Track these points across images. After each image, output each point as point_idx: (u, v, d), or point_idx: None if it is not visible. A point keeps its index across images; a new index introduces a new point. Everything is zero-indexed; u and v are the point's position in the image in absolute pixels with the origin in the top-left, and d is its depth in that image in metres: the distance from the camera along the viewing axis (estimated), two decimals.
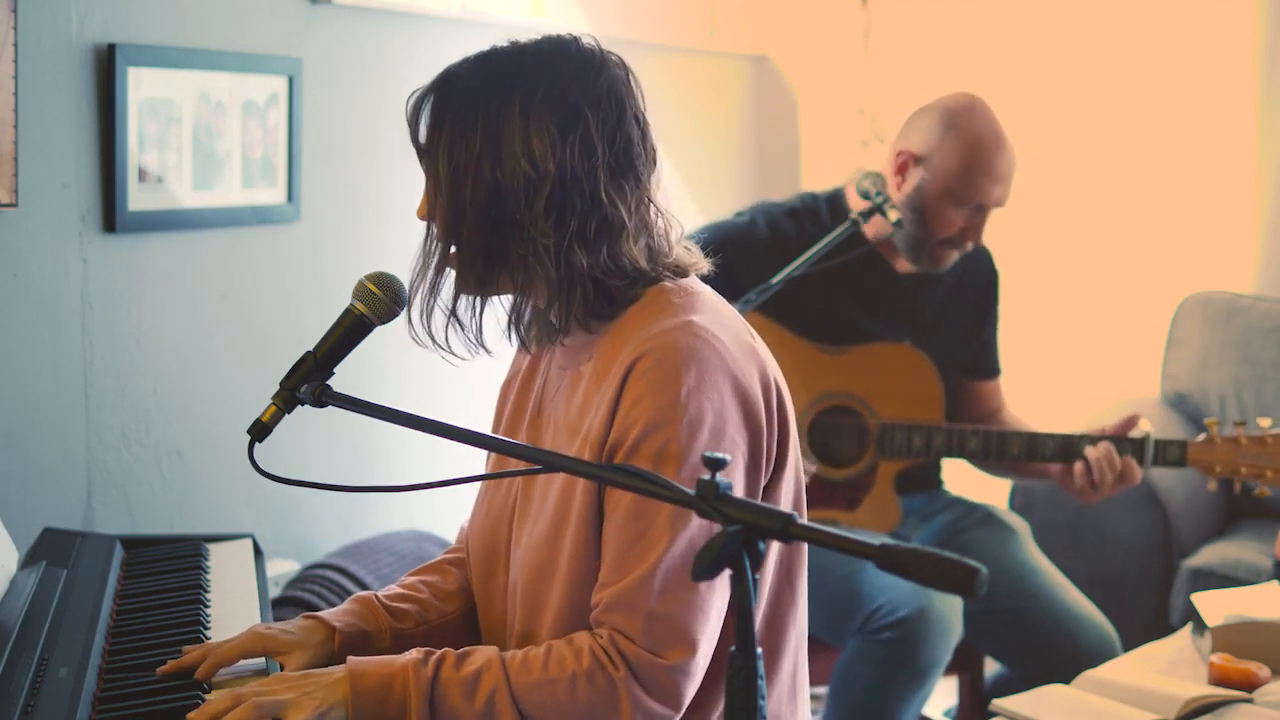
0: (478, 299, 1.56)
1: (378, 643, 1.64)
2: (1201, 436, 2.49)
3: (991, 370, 2.82)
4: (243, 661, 1.56)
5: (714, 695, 1.53)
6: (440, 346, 1.56)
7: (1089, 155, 3.83)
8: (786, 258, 2.55)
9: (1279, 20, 3.62)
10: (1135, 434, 2.52)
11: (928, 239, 2.57)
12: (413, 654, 1.48)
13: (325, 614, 1.63)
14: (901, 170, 2.60)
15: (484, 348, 1.58)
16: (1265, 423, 2.47)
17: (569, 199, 1.49)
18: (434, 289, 1.55)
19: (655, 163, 1.57)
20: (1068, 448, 2.52)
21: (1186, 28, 3.70)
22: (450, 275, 1.56)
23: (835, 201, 2.69)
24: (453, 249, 1.53)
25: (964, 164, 2.52)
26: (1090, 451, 2.48)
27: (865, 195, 2.54)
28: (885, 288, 2.66)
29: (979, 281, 2.78)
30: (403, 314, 1.58)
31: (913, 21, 4.02)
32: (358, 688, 1.44)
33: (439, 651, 1.49)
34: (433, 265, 1.55)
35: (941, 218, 2.55)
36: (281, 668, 1.56)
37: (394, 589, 1.72)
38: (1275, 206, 3.66)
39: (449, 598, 1.72)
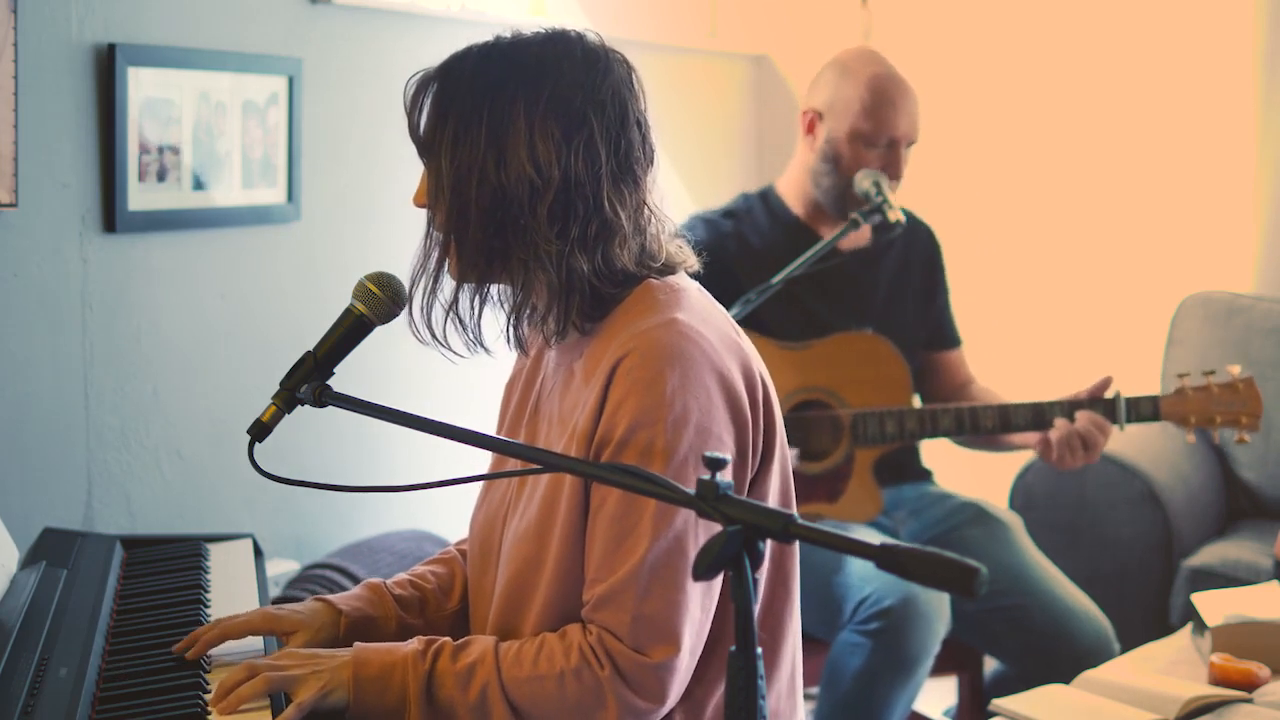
0: (477, 297, 1.56)
1: (383, 628, 1.67)
2: (1173, 389, 2.52)
3: (951, 340, 2.87)
4: (242, 645, 1.59)
5: (705, 688, 1.54)
6: (439, 342, 1.57)
7: (1089, 155, 3.82)
8: (726, 258, 2.61)
9: (1279, 20, 3.62)
10: (1106, 394, 2.54)
11: (849, 187, 2.62)
12: (413, 644, 1.51)
13: (334, 598, 1.67)
14: (810, 130, 2.68)
15: (483, 346, 1.59)
16: (1235, 369, 2.51)
17: (572, 205, 1.49)
18: (435, 283, 1.56)
19: (653, 162, 1.57)
20: (1039, 416, 2.55)
21: (1186, 28, 3.70)
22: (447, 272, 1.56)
23: (767, 198, 2.77)
24: (454, 243, 1.53)
25: (864, 103, 2.60)
26: (1080, 420, 2.50)
27: (865, 196, 2.56)
28: (833, 271, 2.69)
29: (922, 254, 2.84)
30: (403, 314, 1.58)
31: (913, 21, 4.02)
32: (360, 674, 1.48)
33: (438, 642, 1.52)
34: (434, 259, 1.55)
35: (856, 160, 2.61)
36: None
37: (404, 577, 1.76)
38: (1275, 206, 3.66)
39: (450, 593, 1.75)
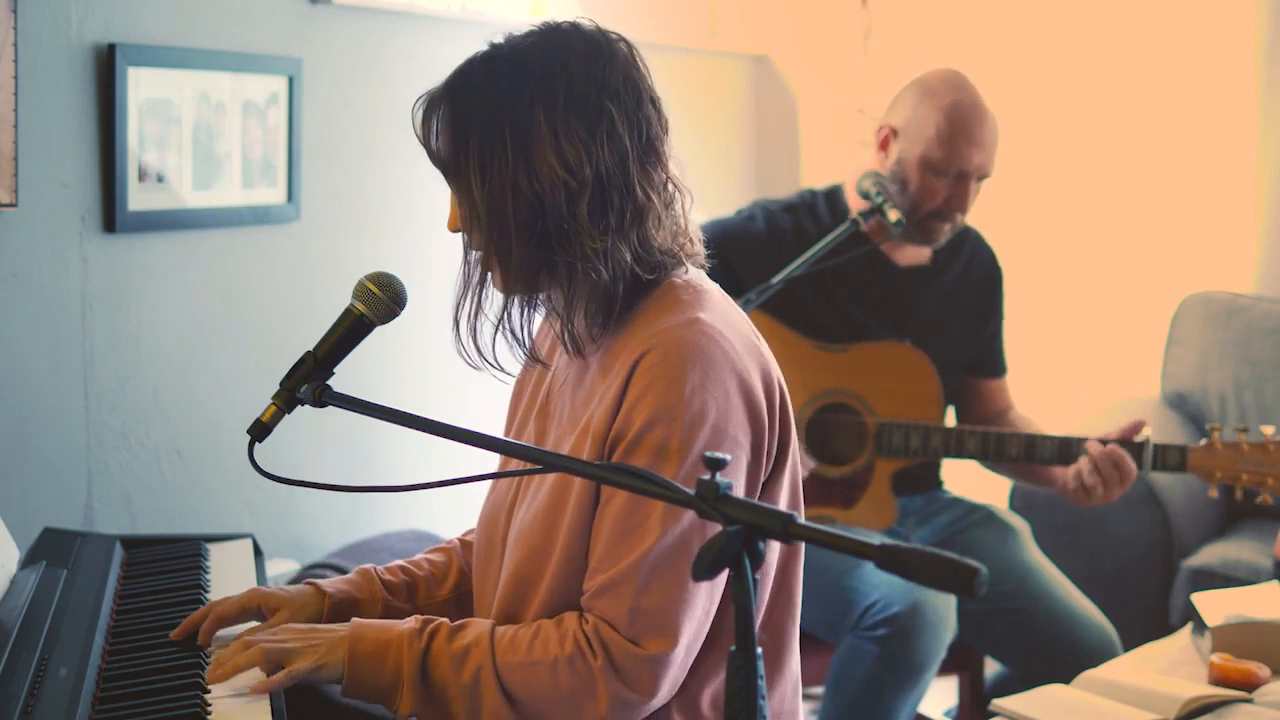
0: (527, 309, 1.55)
1: (367, 610, 1.69)
2: (1203, 442, 2.46)
3: (996, 369, 2.81)
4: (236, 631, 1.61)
5: (700, 680, 1.54)
6: (490, 364, 1.56)
7: (1090, 155, 3.83)
8: (784, 253, 2.56)
9: (1279, 20, 3.62)
10: (1136, 438, 2.51)
11: (913, 212, 2.55)
12: (410, 623, 1.52)
13: (322, 582, 1.70)
14: (884, 145, 2.61)
15: (540, 361, 1.60)
16: (1269, 430, 2.42)
17: (609, 198, 1.49)
18: (479, 303, 1.54)
19: (667, 130, 1.58)
20: (1065, 449, 2.51)
21: (1187, 27, 3.70)
22: (492, 291, 1.55)
23: (833, 197, 2.70)
24: (497, 262, 1.52)
25: (939, 131, 2.51)
26: (1093, 450, 2.47)
27: (865, 195, 2.54)
28: (886, 285, 2.66)
29: (981, 279, 2.78)
30: (403, 313, 1.58)
31: (913, 21, 4.02)
32: (355, 649, 1.49)
33: (435, 621, 1.53)
34: (475, 281, 1.54)
35: (923, 188, 2.54)
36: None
37: (397, 564, 1.77)
38: (1275, 206, 3.66)
39: (443, 581, 1.77)
